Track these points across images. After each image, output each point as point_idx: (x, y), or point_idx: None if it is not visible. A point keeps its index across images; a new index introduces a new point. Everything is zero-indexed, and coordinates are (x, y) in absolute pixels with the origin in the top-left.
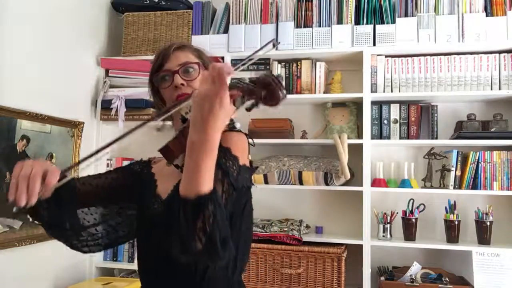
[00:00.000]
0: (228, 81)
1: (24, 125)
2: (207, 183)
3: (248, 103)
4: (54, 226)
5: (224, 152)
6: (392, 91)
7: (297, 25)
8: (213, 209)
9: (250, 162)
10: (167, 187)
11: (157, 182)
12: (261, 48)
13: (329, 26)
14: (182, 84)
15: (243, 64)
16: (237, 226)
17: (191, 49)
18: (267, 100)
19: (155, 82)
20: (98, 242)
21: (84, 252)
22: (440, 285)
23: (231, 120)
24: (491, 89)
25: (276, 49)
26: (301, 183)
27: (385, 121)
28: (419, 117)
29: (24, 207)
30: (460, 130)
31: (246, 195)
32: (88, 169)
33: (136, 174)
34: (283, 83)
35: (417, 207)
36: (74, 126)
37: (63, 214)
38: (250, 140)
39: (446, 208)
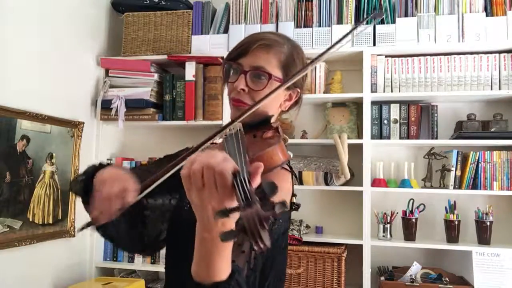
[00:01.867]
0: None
1: (24, 125)
2: (223, 273)
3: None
4: (124, 242)
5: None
6: (392, 91)
7: (297, 25)
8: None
9: (291, 203)
10: None
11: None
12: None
13: (329, 26)
14: (243, 90)
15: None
16: (272, 276)
17: (280, 52)
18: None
19: (224, 70)
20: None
21: (154, 251)
22: (440, 285)
23: (284, 139)
24: (491, 89)
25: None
26: (301, 183)
27: (385, 121)
28: (419, 117)
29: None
30: (460, 130)
31: (283, 239)
32: None
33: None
34: (265, 228)
35: (417, 207)
36: (74, 126)
37: (131, 227)
38: (294, 179)
39: (446, 208)
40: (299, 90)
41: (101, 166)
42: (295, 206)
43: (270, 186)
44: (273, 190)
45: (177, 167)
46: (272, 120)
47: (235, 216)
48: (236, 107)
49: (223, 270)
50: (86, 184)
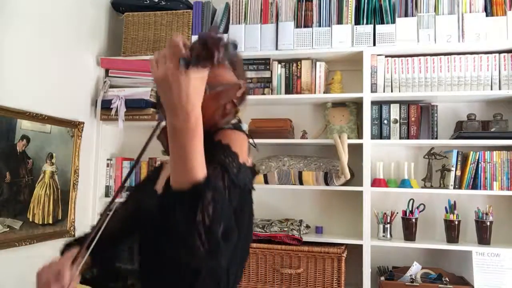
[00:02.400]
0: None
1: (24, 125)
2: (200, 169)
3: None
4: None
5: (223, 149)
6: (392, 91)
7: (297, 25)
8: (212, 195)
9: (253, 164)
10: (163, 179)
11: (158, 179)
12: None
13: (329, 26)
14: None
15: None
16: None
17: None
18: (203, 57)
19: None
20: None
21: None
22: (440, 285)
23: (239, 120)
24: (491, 89)
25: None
26: (301, 183)
27: (385, 121)
28: (419, 117)
29: None
30: (460, 130)
31: (246, 198)
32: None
33: (150, 179)
34: (221, 45)
35: (417, 207)
36: (74, 126)
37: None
38: (251, 141)
39: (446, 208)
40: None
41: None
42: (256, 169)
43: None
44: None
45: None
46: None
47: (192, 63)
48: None
49: (198, 166)
50: None
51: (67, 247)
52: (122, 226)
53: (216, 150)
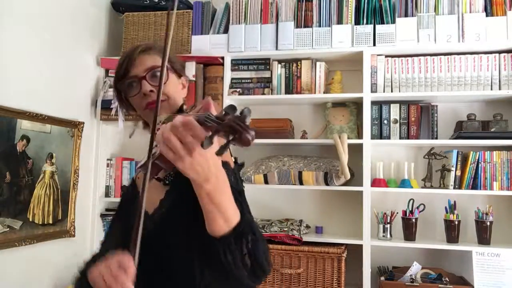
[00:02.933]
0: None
1: (24, 125)
2: (235, 213)
3: (216, 145)
4: None
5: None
6: (392, 91)
7: (297, 25)
8: (250, 229)
9: (235, 159)
10: (151, 200)
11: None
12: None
13: (329, 26)
14: (152, 91)
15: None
16: None
17: (157, 51)
18: (236, 143)
19: (122, 90)
20: None
21: None
22: (440, 285)
23: None
24: (491, 89)
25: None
26: (301, 183)
27: (385, 121)
28: (419, 117)
29: None
30: (460, 130)
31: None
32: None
33: (130, 198)
34: (249, 121)
35: (417, 207)
36: (74, 126)
37: None
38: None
39: (446, 208)
40: (187, 77)
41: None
42: (240, 164)
43: (229, 106)
44: (233, 108)
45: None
46: (184, 108)
47: (217, 140)
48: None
49: (234, 212)
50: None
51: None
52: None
53: None
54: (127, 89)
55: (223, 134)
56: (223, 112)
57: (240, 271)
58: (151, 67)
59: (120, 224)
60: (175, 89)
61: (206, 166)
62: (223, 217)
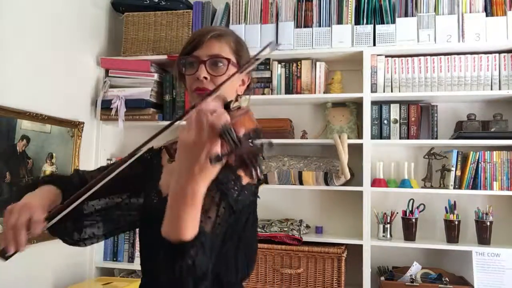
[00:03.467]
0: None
1: (24, 125)
2: (189, 231)
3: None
4: (57, 229)
5: (227, 170)
6: (392, 91)
7: (297, 25)
8: (195, 253)
9: (259, 175)
10: (169, 181)
11: (162, 174)
12: (260, 52)
13: (329, 26)
14: (205, 78)
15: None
16: (234, 241)
17: (230, 41)
18: (241, 169)
19: (181, 64)
20: (97, 235)
21: (85, 246)
22: (440, 285)
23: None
24: (491, 89)
25: (276, 49)
26: (301, 183)
27: (385, 121)
28: (419, 117)
29: (15, 253)
30: (460, 130)
31: (248, 211)
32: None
33: (146, 161)
34: (259, 163)
35: (417, 207)
36: (74, 126)
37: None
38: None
39: (446, 208)
40: (251, 76)
41: (55, 178)
42: (261, 180)
43: (255, 131)
44: (258, 134)
45: (87, 194)
46: (232, 105)
47: (222, 162)
48: (202, 96)
49: (190, 229)
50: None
51: (44, 181)
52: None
53: (221, 170)
54: (186, 66)
55: (233, 161)
56: (249, 134)
57: (170, 271)
58: (215, 55)
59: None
60: (230, 84)
61: (197, 167)
62: (175, 226)
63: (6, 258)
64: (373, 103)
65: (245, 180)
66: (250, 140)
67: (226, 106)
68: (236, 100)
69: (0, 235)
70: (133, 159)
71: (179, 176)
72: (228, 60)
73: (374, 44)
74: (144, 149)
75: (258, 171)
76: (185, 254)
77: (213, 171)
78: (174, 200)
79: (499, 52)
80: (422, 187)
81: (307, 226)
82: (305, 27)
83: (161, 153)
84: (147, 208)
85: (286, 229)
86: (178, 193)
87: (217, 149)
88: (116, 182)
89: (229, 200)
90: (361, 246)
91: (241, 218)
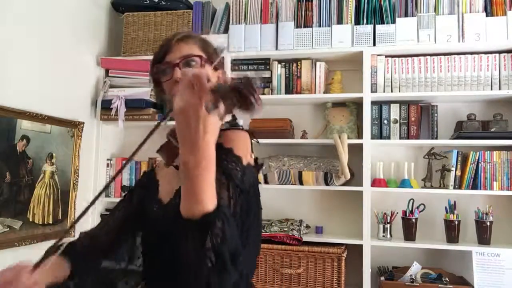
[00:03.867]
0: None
1: (24, 125)
2: (211, 199)
3: (221, 109)
4: None
5: (226, 154)
6: (392, 91)
7: (297, 25)
8: (221, 225)
9: (255, 159)
10: (168, 189)
11: (159, 185)
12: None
13: (329, 26)
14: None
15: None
16: (244, 229)
17: (196, 40)
18: (241, 106)
19: (155, 74)
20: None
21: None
22: (440, 285)
23: (233, 116)
24: (491, 89)
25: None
26: (301, 183)
27: (385, 121)
28: (419, 117)
29: None
30: (460, 130)
31: (253, 195)
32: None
33: (144, 185)
34: (257, 89)
35: (417, 207)
36: (74, 126)
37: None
38: (252, 137)
39: (446, 208)
40: (224, 71)
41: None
42: (259, 163)
43: (245, 79)
44: (249, 80)
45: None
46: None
47: (220, 108)
48: None
49: (209, 198)
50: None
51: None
52: (115, 234)
53: (219, 155)
54: (160, 74)
55: (230, 99)
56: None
57: (198, 264)
58: (186, 55)
59: (120, 213)
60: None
61: (195, 129)
62: (196, 198)
63: None
64: (373, 103)
65: (245, 160)
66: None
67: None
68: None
69: None
70: (127, 164)
71: (185, 145)
72: (200, 56)
73: (374, 44)
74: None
75: (257, 96)
76: (213, 225)
77: (215, 123)
78: (187, 170)
79: (499, 52)
80: (422, 187)
81: (307, 226)
82: (305, 27)
83: (154, 169)
84: (148, 217)
85: (286, 229)
86: (189, 161)
87: (210, 97)
88: (128, 222)
89: (236, 181)
90: (361, 246)
91: (249, 201)
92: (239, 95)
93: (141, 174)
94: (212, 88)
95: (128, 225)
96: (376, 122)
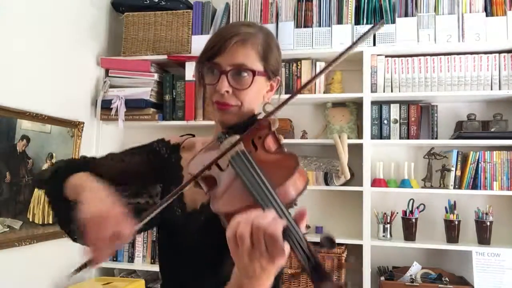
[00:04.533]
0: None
1: (24, 125)
2: None
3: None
4: None
5: None
6: (392, 91)
7: (297, 25)
8: None
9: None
10: (195, 198)
11: (183, 178)
12: (368, 32)
13: (329, 26)
14: (227, 91)
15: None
16: None
17: (257, 44)
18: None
19: (200, 71)
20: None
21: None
22: (440, 285)
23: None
24: (491, 89)
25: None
26: None
27: (385, 121)
28: (419, 117)
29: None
30: (460, 130)
31: None
32: None
33: (160, 155)
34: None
35: (417, 207)
36: (74, 126)
37: None
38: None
39: (446, 208)
40: (279, 78)
41: (73, 167)
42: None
43: (329, 240)
44: (332, 245)
45: (169, 200)
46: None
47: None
48: (223, 111)
49: None
50: (56, 188)
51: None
52: (127, 176)
53: None
54: (206, 72)
55: (306, 273)
56: (320, 243)
57: None
58: (239, 65)
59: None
60: (256, 95)
61: (264, 280)
62: None
63: (87, 269)
64: (373, 103)
65: None
66: (324, 245)
67: (252, 119)
68: (264, 110)
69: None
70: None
71: (246, 277)
72: (254, 72)
73: (374, 44)
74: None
75: (329, 285)
76: None
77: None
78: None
79: (499, 52)
80: (422, 187)
81: (307, 226)
82: (305, 27)
83: (179, 150)
84: (169, 220)
85: None
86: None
87: (276, 262)
88: (135, 176)
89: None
90: (361, 246)
91: None
92: (316, 276)
93: (156, 141)
94: (288, 239)
95: (141, 178)
96: (376, 122)
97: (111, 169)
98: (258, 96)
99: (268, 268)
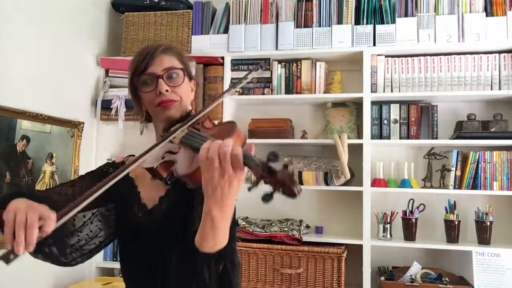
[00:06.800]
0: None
1: (24, 125)
2: (225, 240)
3: (266, 191)
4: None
5: None
6: (392, 91)
7: (297, 25)
8: (231, 255)
9: None
10: (152, 196)
11: (138, 188)
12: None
13: (329, 26)
14: (167, 91)
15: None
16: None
17: (174, 52)
18: (284, 193)
19: (136, 83)
20: (84, 252)
21: (73, 265)
22: (440, 285)
23: None
24: (491, 89)
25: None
26: (301, 183)
27: (385, 121)
28: (419, 117)
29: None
30: (460, 130)
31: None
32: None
33: (108, 174)
34: (296, 176)
35: (417, 207)
36: (74, 126)
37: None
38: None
39: (446, 208)
40: (196, 80)
41: (12, 196)
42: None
43: (272, 153)
44: (276, 157)
45: (97, 193)
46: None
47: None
48: (169, 107)
49: (224, 237)
50: None
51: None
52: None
53: None
54: (142, 84)
55: (273, 186)
56: (267, 158)
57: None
58: (169, 67)
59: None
60: (187, 92)
61: (230, 199)
62: (214, 239)
63: (10, 261)
64: (373, 103)
65: None
66: (271, 160)
67: (188, 115)
68: (192, 109)
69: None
70: (124, 173)
71: (215, 205)
72: (182, 69)
73: (374, 44)
74: (124, 172)
75: (299, 187)
76: (226, 256)
77: (241, 185)
78: (213, 222)
79: (499, 52)
80: (422, 187)
81: (307, 226)
82: (305, 27)
83: (129, 174)
84: (131, 223)
85: (286, 229)
86: (217, 216)
87: (239, 177)
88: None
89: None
90: (361, 246)
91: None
92: (283, 185)
93: (104, 165)
94: (249, 164)
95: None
96: (376, 122)
97: (62, 196)
98: (189, 93)
99: (233, 184)
